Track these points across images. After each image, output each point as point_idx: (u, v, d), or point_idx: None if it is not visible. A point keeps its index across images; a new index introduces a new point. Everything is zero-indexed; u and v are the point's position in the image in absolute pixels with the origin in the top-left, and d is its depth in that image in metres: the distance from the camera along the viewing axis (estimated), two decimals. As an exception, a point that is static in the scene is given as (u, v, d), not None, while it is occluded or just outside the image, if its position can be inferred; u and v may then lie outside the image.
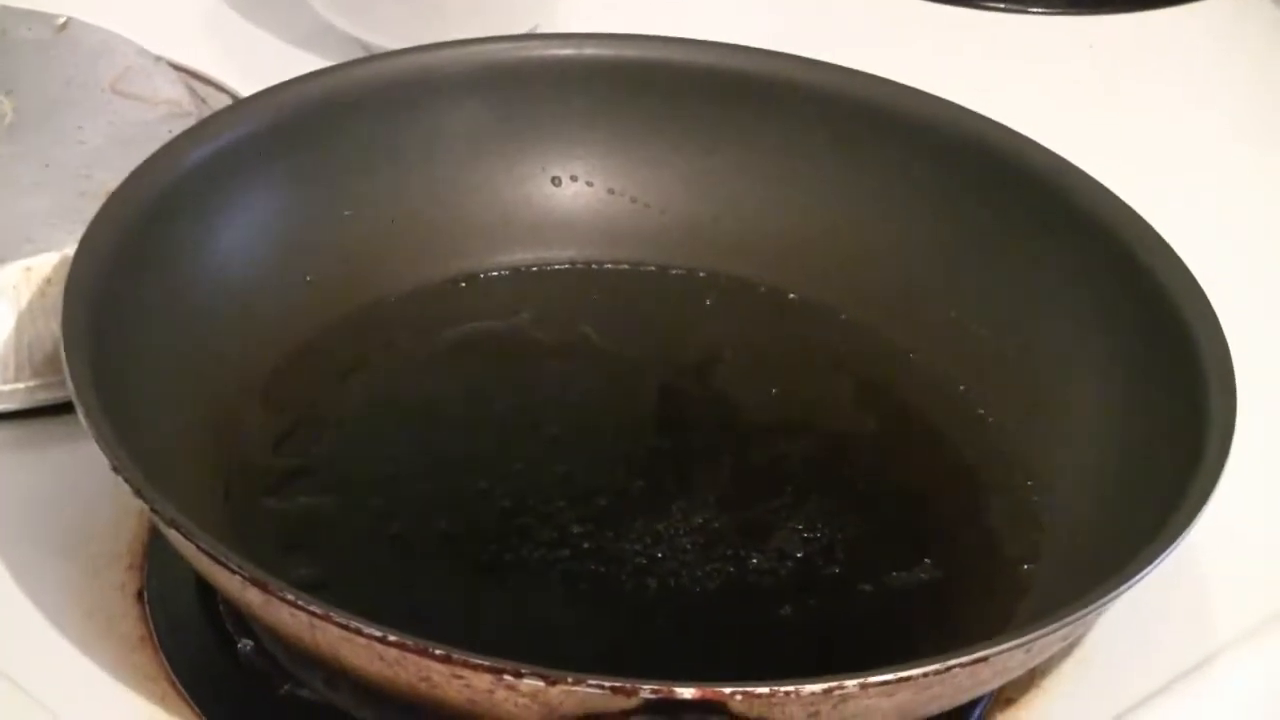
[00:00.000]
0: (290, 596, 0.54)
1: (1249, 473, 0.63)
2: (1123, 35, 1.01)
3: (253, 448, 0.67)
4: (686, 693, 0.52)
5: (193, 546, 0.56)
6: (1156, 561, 0.57)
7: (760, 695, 0.52)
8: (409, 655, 0.53)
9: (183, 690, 0.62)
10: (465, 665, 0.52)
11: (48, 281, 0.70)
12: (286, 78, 0.74)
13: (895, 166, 0.75)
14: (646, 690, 0.52)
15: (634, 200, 0.77)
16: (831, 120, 0.76)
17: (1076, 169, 0.72)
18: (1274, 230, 0.87)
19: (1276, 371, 0.75)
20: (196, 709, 0.61)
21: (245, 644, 0.63)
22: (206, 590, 0.64)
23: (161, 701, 0.62)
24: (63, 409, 0.68)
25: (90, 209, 0.67)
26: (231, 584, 0.56)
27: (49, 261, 0.70)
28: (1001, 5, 1.02)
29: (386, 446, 0.68)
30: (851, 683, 0.52)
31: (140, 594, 0.65)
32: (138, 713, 0.61)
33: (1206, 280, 0.67)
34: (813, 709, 0.53)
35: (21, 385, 0.71)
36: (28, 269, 0.70)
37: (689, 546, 0.65)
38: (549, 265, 0.76)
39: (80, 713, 0.61)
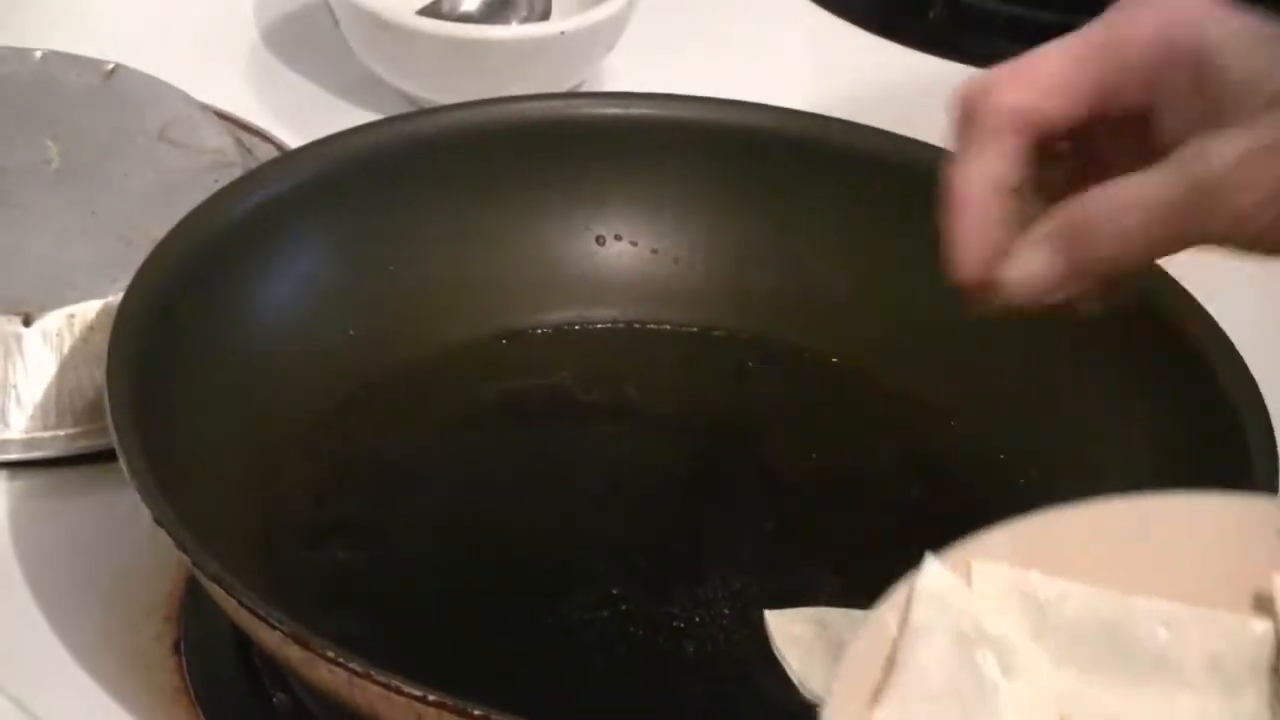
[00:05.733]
0: (330, 654, 0.54)
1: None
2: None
3: (293, 501, 0.67)
4: (726, 760, 0.52)
5: (234, 602, 0.56)
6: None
7: (800, 765, 0.52)
8: (448, 715, 0.53)
9: (217, 743, 0.62)
10: (504, 727, 0.52)
11: (90, 329, 0.70)
12: (331, 129, 0.74)
13: (940, 232, 0.75)
14: (685, 756, 0.52)
15: (677, 260, 0.77)
16: (876, 184, 0.76)
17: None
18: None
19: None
20: (231, 762, 0.62)
21: (281, 697, 0.63)
22: (243, 642, 0.64)
23: (196, 754, 0.62)
24: (101, 457, 0.68)
25: (135, 257, 0.67)
26: (271, 639, 0.55)
27: (92, 309, 0.71)
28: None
29: (426, 503, 0.68)
30: (892, 755, 0.52)
31: (177, 645, 0.65)
32: (172, 764, 0.61)
33: (1250, 353, 0.67)
34: (852, 780, 0.52)
35: (62, 433, 0.71)
36: (71, 315, 0.71)
37: (727, 611, 0.65)
38: (592, 324, 0.76)
39: (115, 763, 0.61)
